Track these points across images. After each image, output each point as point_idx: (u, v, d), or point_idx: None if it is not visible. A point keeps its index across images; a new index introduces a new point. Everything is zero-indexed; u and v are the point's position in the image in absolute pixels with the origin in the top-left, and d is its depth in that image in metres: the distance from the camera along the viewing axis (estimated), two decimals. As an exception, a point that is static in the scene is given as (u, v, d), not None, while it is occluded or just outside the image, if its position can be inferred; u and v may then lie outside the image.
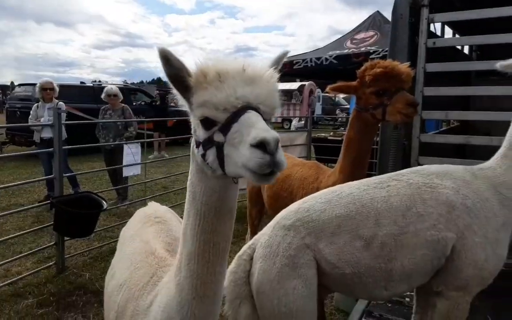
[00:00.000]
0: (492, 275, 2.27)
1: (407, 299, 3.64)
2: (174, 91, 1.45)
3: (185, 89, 1.41)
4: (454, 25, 6.36)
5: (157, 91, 20.61)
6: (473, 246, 2.19)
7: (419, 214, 2.21)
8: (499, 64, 2.60)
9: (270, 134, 1.18)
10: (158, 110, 17.00)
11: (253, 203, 4.87)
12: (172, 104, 17.55)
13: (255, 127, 1.22)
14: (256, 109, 1.32)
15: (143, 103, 19.53)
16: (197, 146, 1.45)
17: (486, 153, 2.67)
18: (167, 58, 1.37)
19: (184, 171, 10.25)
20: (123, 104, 8.67)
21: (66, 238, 5.57)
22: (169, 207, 7.95)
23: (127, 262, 2.02)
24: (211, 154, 1.36)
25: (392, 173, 2.47)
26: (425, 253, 2.20)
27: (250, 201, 4.97)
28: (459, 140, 5.05)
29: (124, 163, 7.05)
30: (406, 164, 4.37)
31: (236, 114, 1.30)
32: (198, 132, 1.43)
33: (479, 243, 2.19)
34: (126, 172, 7.30)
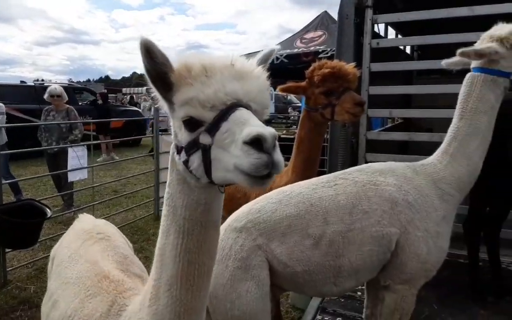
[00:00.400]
0: (434, 267, 2.38)
1: (359, 293, 3.77)
2: (153, 90, 1.29)
3: (166, 88, 1.26)
4: (396, 26, 6.68)
5: (105, 90, 19.87)
6: (416, 240, 2.29)
7: (364, 211, 2.28)
8: (444, 62, 2.70)
9: (266, 130, 1.07)
10: (101, 111, 15.83)
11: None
12: (119, 104, 16.93)
13: (249, 123, 1.11)
14: (247, 107, 1.20)
15: (89, 102, 18.63)
16: (178, 152, 1.29)
17: (428, 148, 2.80)
18: (149, 50, 1.20)
19: (136, 173, 10.02)
20: (67, 105, 8.20)
21: (7, 249, 5.20)
22: (121, 212, 7.68)
23: (74, 288, 1.76)
24: (196, 159, 1.21)
25: (339, 172, 2.53)
26: (371, 249, 2.27)
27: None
28: (402, 137, 5.31)
29: (69, 167, 6.67)
30: (355, 161, 4.53)
31: (226, 112, 1.17)
32: (180, 135, 1.27)
33: (421, 237, 2.30)
34: (72, 177, 6.90)
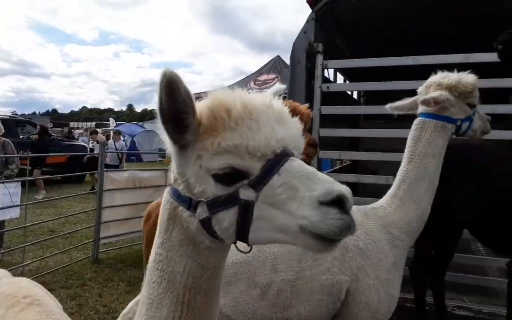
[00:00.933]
0: (385, 317, 2.28)
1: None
2: (162, 129, 1.07)
3: (180, 130, 1.05)
4: (344, 72, 6.99)
5: (51, 124, 18.78)
6: (366, 288, 2.19)
7: (314, 257, 2.16)
8: (389, 106, 2.76)
9: (344, 187, 0.95)
10: (37, 145, 14.58)
11: (150, 248, 4.44)
12: (64, 138, 16.03)
13: (319, 178, 0.98)
14: (290, 155, 1.05)
15: (31, 136, 17.55)
16: (192, 208, 1.07)
17: (374, 190, 2.79)
18: (173, 87, 0.98)
19: (76, 213, 9.31)
20: (3, 138, 7.56)
21: None
22: (56, 254, 6.98)
23: None
24: (228, 217, 1.03)
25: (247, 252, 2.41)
26: (320, 299, 2.13)
27: (147, 246, 4.53)
28: (351, 179, 5.39)
29: (0, 205, 6.03)
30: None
31: (275, 162, 1.02)
32: (201, 188, 1.06)
33: (372, 285, 2.20)
34: (2, 215, 6.21)
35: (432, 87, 2.50)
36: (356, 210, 2.43)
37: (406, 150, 2.52)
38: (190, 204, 1.09)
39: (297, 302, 2.10)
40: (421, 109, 2.54)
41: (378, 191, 2.59)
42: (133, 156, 24.51)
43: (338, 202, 0.95)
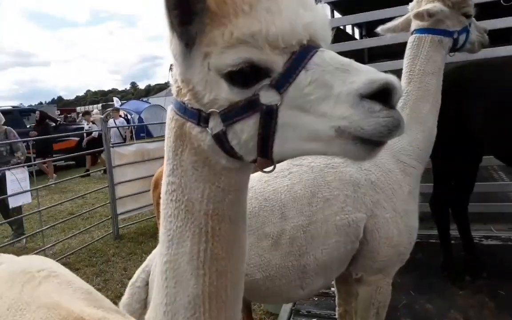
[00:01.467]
0: (407, 250, 2.18)
1: (333, 289, 3.54)
2: (165, 18, 0.86)
3: (186, 18, 0.85)
4: (340, 6, 6.57)
5: (58, 111, 18.64)
6: (384, 223, 2.07)
7: (325, 198, 2.02)
8: (380, 28, 2.62)
9: (391, 76, 0.78)
10: (41, 134, 13.51)
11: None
12: (70, 122, 15.88)
13: (358, 69, 0.81)
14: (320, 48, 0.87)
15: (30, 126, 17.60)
16: (203, 121, 0.90)
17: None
18: None
19: (87, 192, 9.34)
20: (5, 127, 7.53)
21: None
22: (76, 234, 7.09)
23: None
24: (247, 128, 0.86)
25: (294, 159, 2.26)
26: (337, 240, 2.01)
27: (159, 212, 4.51)
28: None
29: (9, 192, 6.07)
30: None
31: (301, 55, 0.83)
32: (212, 94, 0.87)
33: (390, 218, 2.08)
34: (13, 202, 6.27)
35: (423, 1, 2.36)
36: None
37: (404, 70, 2.41)
38: (200, 118, 0.91)
39: (312, 248, 1.99)
40: (414, 25, 2.42)
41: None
42: (143, 132, 24.52)
43: (383, 96, 0.77)
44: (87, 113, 17.74)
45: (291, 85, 0.83)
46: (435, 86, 2.34)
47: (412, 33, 2.43)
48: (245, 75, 0.84)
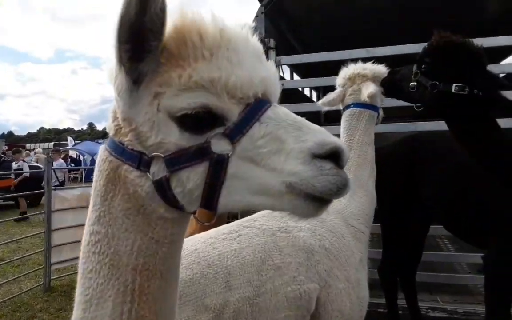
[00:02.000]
0: None
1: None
2: (115, 52, 0.79)
3: (138, 55, 0.78)
4: (298, 68, 6.81)
5: (5, 146, 17.29)
6: (338, 294, 1.93)
7: (276, 266, 1.85)
8: (320, 102, 2.81)
9: (339, 140, 0.83)
10: None
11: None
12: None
13: (310, 128, 0.83)
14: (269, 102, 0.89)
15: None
16: (145, 166, 0.82)
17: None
18: None
19: (24, 237, 8.52)
20: None
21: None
22: (3, 283, 6.37)
23: None
24: (195, 176, 0.82)
25: (245, 219, 2.09)
26: (287, 315, 1.82)
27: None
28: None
29: None
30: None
31: (256, 107, 0.84)
32: (158, 136, 0.83)
33: (343, 289, 1.95)
34: None
35: (357, 78, 2.60)
36: None
37: (342, 139, 2.56)
38: (140, 161, 0.84)
39: None
40: (351, 99, 2.61)
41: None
42: (92, 175, 23.37)
43: (333, 157, 0.81)
44: (17, 151, 15.59)
45: (244, 136, 0.82)
46: (371, 154, 2.55)
47: (349, 107, 2.61)
48: (199, 121, 0.82)
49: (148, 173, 0.85)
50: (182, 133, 0.83)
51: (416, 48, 4.14)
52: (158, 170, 0.84)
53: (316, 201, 0.82)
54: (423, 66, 2.37)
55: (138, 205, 0.89)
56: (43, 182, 12.58)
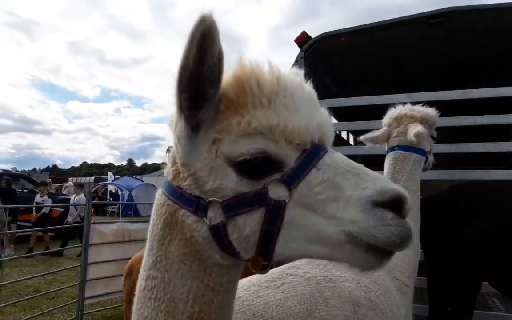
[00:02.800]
0: None
1: None
2: (175, 100, 0.82)
3: (198, 104, 0.81)
4: (334, 111, 6.77)
5: (49, 179, 18.11)
6: None
7: (323, 318, 1.73)
8: (363, 138, 2.67)
9: (401, 188, 0.80)
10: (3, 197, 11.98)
11: (132, 308, 3.96)
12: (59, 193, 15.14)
13: (369, 174, 0.82)
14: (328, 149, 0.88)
15: (25, 190, 17.10)
16: (202, 210, 0.83)
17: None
18: (209, 40, 0.74)
19: (61, 269, 8.71)
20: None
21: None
22: (37, 315, 6.48)
23: None
24: (252, 222, 0.81)
25: (286, 266, 1.99)
26: None
27: (128, 306, 4.05)
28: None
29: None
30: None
31: (313, 154, 0.83)
32: (216, 183, 0.82)
33: None
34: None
35: (403, 119, 2.44)
36: None
37: None
38: (198, 206, 0.84)
39: None
40: (397, 141, 2.45)
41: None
42: (130, 210, 23.96)
43: (394, 205, 0.78)
44: (43, 184, 14.66)
45: (302, 182, 0.80)
46: (416, 202, 2.35)
47: (393, 149, 2.45)
48: (257, 167, 0.81)
49: (205, 218, 0.84)
50: (240, 179, 0.83)
51: (458, 94, 4.06)
52: (215, 215, 0.84)
53: (378, 252, 0.79)
54: None
55: (194, 250, 0.88)
56: (68, 219, 12.82)
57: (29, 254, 11.05)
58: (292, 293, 1.79)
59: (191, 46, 0.75)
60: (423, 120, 2.40)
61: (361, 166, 0.85)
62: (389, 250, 0.80)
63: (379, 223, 0.76)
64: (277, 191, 0.81)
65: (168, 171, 0.94)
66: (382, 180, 0.81)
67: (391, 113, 2.55)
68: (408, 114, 2.46)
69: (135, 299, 0.98)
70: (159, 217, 0.94)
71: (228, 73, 0.86)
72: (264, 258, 0.84)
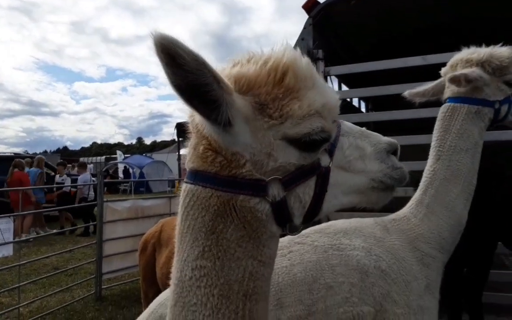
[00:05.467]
0: None
1: None
2: (191, 108, 0.89)
3: (211, 103, 0.85)
4: (346, 79, 6.66)
5: (60, 160, 18.17)
6: (395, 319, 1.77)
7: (328, 285, 1.74)
8: (408, 92, 2.38)
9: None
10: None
11: (148, 282, 4.06)
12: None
13: (372, 133, 1.09)
14: None
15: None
16: (263, 190, 0.89)
17: (390, 204, 2.40)
18: (173, 54, 0.76)
19: (72, 248, 8.90)
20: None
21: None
22: (57, 292, 6.64)
23: None
24: (309, 190, 0.96)
25: (295, 235, 2.00)
26: None
27: (144, 280, 4.16)
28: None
29: (-9, 242, 5.66)
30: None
31: (339, 124, 1.05)
32: (278, 162, 0.93)
33: (402, 315, 1.77)
34: (-7, 254, 5.85)
35: (459, 65, 2.09)
36: (374, 223, 2.03)
37: (433, 145, 2.10)
38: (258, 188, 0.89)
39: None
40: (449, 92, 2.13)
41: (393, 207, 2.13)
42: (142, 187, 24.27)
43: (395, 152, 1.09)
44: (61, 164, 15.15)
45: (336, 149, 1.00)
46: (468, 165, 2.01)
47: (444, 102, 2.14)
48: (316, 142, 0.95)
49: (266, 197, 0.91)
50: (302, 154, 0.95)
51: (471, 52, 3.91)
52: (278, 192, 0.92)
53: (390, 189, 1.08)
54: None
55: (251, 230, 0.93)
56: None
57: (60, 230, 11.34)
58: (298, 261, 1.80)
59: (163, 67, 0.79)
60: (483, 63, 2.03)
61: (363, 128, 1.10)
62: (398, 184, 1.08)
63: (393, 168, 1.06)
64: (325, 160, 0.98)
65: (209, 165, 0.95)
66: (381, 136, 1.09)
67: (451, 61, 2.22)
68: (465, 58, 2.11)
69: (175, 288, 0.99)
70: (204, 210, 0.94)
71: (282, 61, 0.94)
72: (310, 219, 0.99)
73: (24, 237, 10.35)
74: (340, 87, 6.14)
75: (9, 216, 6.11)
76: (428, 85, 2.28)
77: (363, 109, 8.43)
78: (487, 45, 2.11)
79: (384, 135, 1.12)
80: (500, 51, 2.06)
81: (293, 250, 1.85)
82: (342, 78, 6.32)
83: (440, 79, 2.25)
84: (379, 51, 5.50)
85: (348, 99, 6.86)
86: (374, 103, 8.12)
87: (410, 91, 2.35)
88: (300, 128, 0.92)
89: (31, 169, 12.84)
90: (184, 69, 0.78)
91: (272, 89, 0.92)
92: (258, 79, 0.92)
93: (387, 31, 5.99)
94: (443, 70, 2.23)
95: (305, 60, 0.98)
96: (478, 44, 2.17)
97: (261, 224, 0.93)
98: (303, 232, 1.99)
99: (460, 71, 2.04)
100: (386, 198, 1.08)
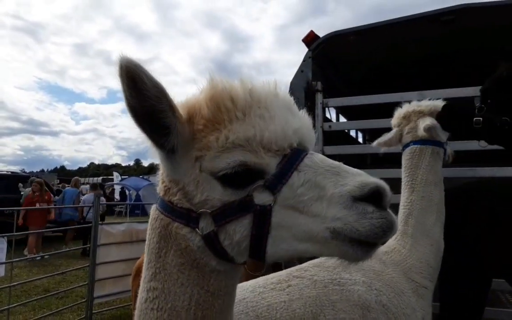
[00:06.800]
0: None
1: None
2: (141, 131, 0.87)
3: (161, 130, 0.87)
4: (344, 110, 6.75)
5: (57, 180, 18.15)
6: None
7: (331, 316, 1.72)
8: (376, 143, 2.68)
9: (380, 180, 0.83)
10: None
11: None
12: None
13: (348, 171, 0.86)
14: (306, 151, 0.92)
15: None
16: (194, 222, 0.88)
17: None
18: (136, 79, 0.79)
19: (68, 270, 8.75)
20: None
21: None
22: (47, 315, 6.55)
23: None
24: (241, 228, 0.87)
25: (294, 268, 1.98)
26: None
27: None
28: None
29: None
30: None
31: (293, 157, 0.89)
32: (203, 195, 0.87)
33: None
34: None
35: (413, 116, 2.45)
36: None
37: (404, 180, 2.38)
38: (189, 218, 0.89)
39: None
40: (410, 137, 2.45)
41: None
42: (138, 209, 24.03)
43: (375, 198, 0.81)
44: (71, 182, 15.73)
45: (284, 186, 0.85)
46: (438, 196, 2.31)
47: (407, 145, 2.45)
48: (239, 177, 0.85)
49: (197, 229, 0.89)
50: (225, 189, 0.88)
51: (469, 91, 4.01)
52: (206, 225, 0.89)
53: (363, 245, 0.82)
54: (488, 100, 2.16)
55: (190, 259, 0.91)
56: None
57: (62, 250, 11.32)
58: (298, 296, 1.79)
59: (123, 88, 0.81)
60: (432, 114, 2.40)
61: (340, 164, 0.90)
62: (372, 242, 0.82)
63: (361, 217, 0.80)
64: (262, 197, 0.86)
65: (159, 188, 0.99)
66: (361, 175, 0.85)
67: (399, 113, 2.55)
68: (416, 110, 2.46)
69: (136, 312, 1.00)
70: (154, 230, 0.97)
71: (201, 95, 0.92)
72: (257, 260, 0.88)
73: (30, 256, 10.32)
74: (338, 118, 6.22)
75: (3, 236, 6.03)
76: (389, 135, 2.59)
77: (360, 140, 8.52)
78: (484, 74, 2.35)
79: (380, 167, 0.96)
80: (438, 102, 2.48)
81: (292, 284, 1.83)
82: (340, 110, 6.40)
83: (395, 130, 2.57)
84: (377, 85, 5.59)
85: (346, 131, 6.95)
86: (370, 135, 8.20)
87: (378, 141, 2.67)
88: (217, 162, 0.88)
89: (67, 188, 14.12)
90: (143, 94, 0.81)
91: (199, 119, 0.92)
92: (195, 109, 0.93)
93: (385, 64, 6.12)
94: (394, 122, 2.57)
95: (240, 91, 0.90)
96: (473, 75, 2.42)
97: (195, 255, 0.91)
98: (301, 265, 1.98)
99: (425, 123, 2.33)
100: (356, 253, 0.83)
